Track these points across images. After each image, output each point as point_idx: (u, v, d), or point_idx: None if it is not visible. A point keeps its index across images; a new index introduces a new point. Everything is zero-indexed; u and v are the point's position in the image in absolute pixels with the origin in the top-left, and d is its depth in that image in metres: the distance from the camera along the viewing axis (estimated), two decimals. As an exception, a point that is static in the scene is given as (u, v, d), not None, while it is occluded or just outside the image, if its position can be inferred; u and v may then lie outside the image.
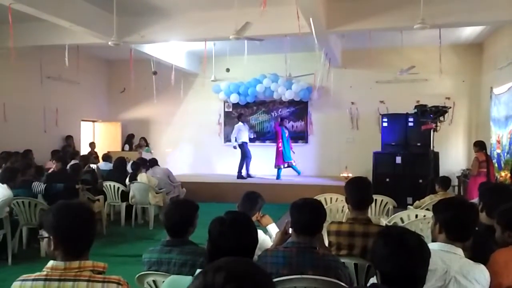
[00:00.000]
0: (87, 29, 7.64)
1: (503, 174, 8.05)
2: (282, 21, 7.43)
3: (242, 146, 10.85)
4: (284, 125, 10.99)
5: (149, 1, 7.58)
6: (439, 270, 2.13)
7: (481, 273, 2.16)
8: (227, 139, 12.24)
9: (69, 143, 10.92)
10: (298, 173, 10.87)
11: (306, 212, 2.53)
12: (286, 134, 10.72)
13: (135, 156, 9.93)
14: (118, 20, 7.24)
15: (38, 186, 6.13)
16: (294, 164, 10.80)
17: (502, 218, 2.49)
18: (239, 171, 10.85)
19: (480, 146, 7.69)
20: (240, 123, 11.05)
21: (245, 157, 10.85)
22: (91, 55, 11.78)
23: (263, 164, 11.32)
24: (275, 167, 10.69)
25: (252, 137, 11.46)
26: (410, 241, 1.72)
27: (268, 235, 3.36)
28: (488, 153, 8.13)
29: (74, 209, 1.91)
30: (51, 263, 1.81)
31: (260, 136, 12.21)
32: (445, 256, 2.18)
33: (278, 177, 10.66)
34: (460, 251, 2.23)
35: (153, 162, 8.69)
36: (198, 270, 2.02)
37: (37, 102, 10.09)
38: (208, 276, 0.98)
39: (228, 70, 11.44)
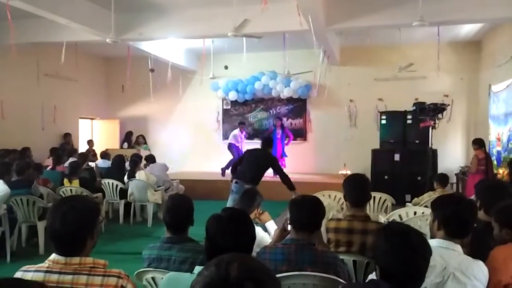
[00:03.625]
0: (85, 26, 7.62)
1: (500, 171, 8.06)
2: (281, 18, 7.42)
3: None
4: (276, 124, 10.90)
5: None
6: (437, 266, 2.13)
7: (479, 270, 2.17)
8: (226, 136, 12.24)
9: (67, 140, 10.90)
10: None
11: (305, 209, 2.53)
12: (278, 136, 10.63)
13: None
14: (116, 17, 7.22)
15: (37, 189, 6.09)
16: None
17: (500, 216, 2.49)
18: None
19: (479, 144, 7.70)
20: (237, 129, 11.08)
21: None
22: (89, 52, 11.75)
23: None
24: None
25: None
26: (413, 238, 1.72)
27: (267, 232, 3.36)
28: (487, 151, 8.15)
29: (75, 204, 1.90)
30: (53, 256, 1.82)
31: (259, 133, 12.19)
32: (443, 253, 2.18)
33: None
34: (458, 247, 2.24)
35: (150, 159, 8.68)
36: (197, 267, 2.03)
37: (35, 99, 10.06)
38: (221, 269, 0.98)
39: (226, 67, 11.43)
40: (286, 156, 10.70)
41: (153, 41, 9.56)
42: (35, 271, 1.79)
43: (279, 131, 10.74)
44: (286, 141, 10.82)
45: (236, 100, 12.05)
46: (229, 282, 0.95)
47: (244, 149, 10.92)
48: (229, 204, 5.91)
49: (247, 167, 6.22)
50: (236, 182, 6.17)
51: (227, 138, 11.94)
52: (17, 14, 6.87)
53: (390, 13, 7.22)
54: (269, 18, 7.14)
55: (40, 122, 10.26)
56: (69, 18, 7.26)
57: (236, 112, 12.43)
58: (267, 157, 6.41)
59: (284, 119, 11.99)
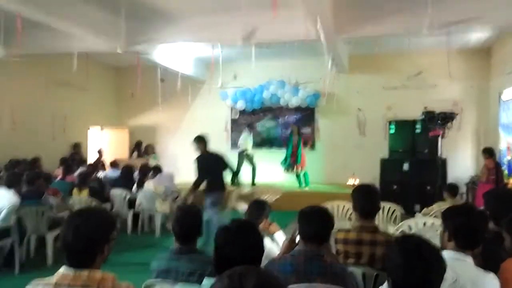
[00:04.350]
0: (95, 35, 7.67)
1: (511, 181, 7.98)
2: (290, 27, 7.42)
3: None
4: (293, 131, 10.81)
5: (155, 6, 7.59)
6: (448, 278, 2.09)
7: (491, 282, 2.14)
8: (234, 145, 12.26)
9: (77, 150, 10.98)
10: (299, 185, 10.63)
11: (314, 220, 2.52)
12: (294, 142, 10.57)
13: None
14: (126, 25, 7.28)
15: (47, 200, 6.13)
16: (295, 171, 10.58)
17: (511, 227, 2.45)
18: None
19: (489, 153, 7.63)
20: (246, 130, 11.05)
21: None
22: (99, 62, 11.88)
23: (270, 170, 11.30)
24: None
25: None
26: (427, 252, 1.70)
27: (275, 243, 3.34)
28: (497, 160, 8.07)
29: (91, 216, 1.91)
30: (62, 269, 1.82)
31: (267, 143, 12.20)
32: (455, 264, 2.15)
33: (300, 184, 10.57)
34: (470, 259, 2.21)
35: (157, 170, 8.71)
36: (206, 279, 2.02)
37: (45, 109, 10.17)
38: (234, 281, 0.97)
39: (235, 76, 11.47)
40: (299, 163, 10.52)
41: (162, 51, 9.62)
42: (44, 285, 1.78)
43: (295, 137, 10.59)
44: (304, 147, 10.64)
45: (244, 109, 12.08)
46: None
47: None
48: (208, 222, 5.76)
49: (215, 175, 6.15)
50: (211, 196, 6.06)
51: (236, 147, 11.95)
52: (28, 24, 6.96)
53: (400, 21, 7.17)
54: (279, 27, 7.15)
55: (50, 132, 10.35)
56: (80, 28, 7.30)
57: (244, 121, 12.44)
58: (219, 156, 6.34)
59: (290, 128, 11.95)
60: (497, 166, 7.64)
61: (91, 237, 1.84)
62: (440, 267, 1.71)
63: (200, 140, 6.21)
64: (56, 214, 5.96)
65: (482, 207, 3.29)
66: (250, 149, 10.84)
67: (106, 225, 1.93)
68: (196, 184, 6.20)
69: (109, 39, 7.80)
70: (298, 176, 10.55)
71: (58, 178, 8.08)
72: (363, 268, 2.88)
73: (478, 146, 10.47)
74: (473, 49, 10.59)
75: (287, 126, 12.07)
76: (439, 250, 1.75)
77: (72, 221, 1.87)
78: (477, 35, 9.55)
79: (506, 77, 8.92)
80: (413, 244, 1.74)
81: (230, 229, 2.04)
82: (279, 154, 11.49)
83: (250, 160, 10.86)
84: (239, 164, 10.65)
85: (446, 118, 8.32)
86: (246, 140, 10.88)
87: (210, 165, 6.17)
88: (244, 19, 6.62)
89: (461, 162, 10.73)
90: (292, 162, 10.50)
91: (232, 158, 11.81)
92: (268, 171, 11.26)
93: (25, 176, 6.07)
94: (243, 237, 2.00)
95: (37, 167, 8.50)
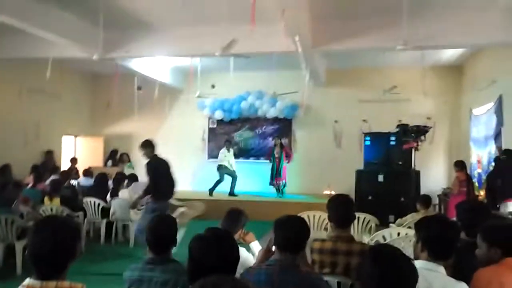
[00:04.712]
0: (72, 42, 7.59)
1: (482, 193, 8.19)
2: (268, 39, 7.51)
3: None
4: (276, 143, 10.86)
5: (135, 16, 7.58)
6: (421, 288, 2.13)
7: (462, 291, 2.17)
8: (211, 155, 12.22)
9: (49, 158, 10.73)
10: (277, 193, 10.74)
11: (289, 229, 2.52)
12: (276, 155, 10.65)
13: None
14: (104, 34, 7.22)
15: (17, 208, 5.97)
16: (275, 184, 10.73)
17: (489, 235, 2.47)
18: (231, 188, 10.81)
19: (460, 166, 7.83)
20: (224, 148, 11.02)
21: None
22: (75, 69, 11.69)
23: (247, 181, 11.29)
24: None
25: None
26: (401, 263, 1.71)
27: (251, 253, 3.33)
28: (468, 173, 8.27)
29: (56, 225, 1.87)
30: (27, 281, 1.76)
31: (244, 153, 12.19)
32: (427, 275, 2.18)
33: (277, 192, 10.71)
34: (442, 269, 2.24)
35: (133, 178, 8.58)
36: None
37: (17, 115, 9.90)
38: None
39: (213, 86, 11.46)
40: (281, 176, 10.62)
41: (140, 59, 9.57)
42: None
43: (278, 150, 10.67)
44: (287, 161, 10.72)
45: (222, 119, 12.08)
46: None
47: (233, 168, 10.90)
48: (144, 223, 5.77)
49: (167, 181, 6.14)
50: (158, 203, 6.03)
51: (212, 157, 11.97)
52: (2, 28, 6.83)
53: (375, 36, 7.37)
54: (257, 39, 7.22)
55: (22, 139, 10.08)
56: (57, 34, 7.23)
57: (222, 131, 12.43)
58: (167, 161, 6.33)
59: (270, 138, 12.02)
60: (468, 178, 7.84)
61: (59, 247, 1.79)
62: (413, 277, 1.72)
63: (148, 145, 6.12)
64: (26, 223, 5.79)
65: (454, 218, 3.36)
66: (228, 165, 10.81)
67: (76, 235, 1.89)
68: (148, 191, 6.10)
69: (86, 47, 7.72)
70: (278, 187, 10.63)
71: (29, 186, 7.88)
72: (339, 278, 2.89)
73: (450, 159, 10.73)
74: (446, 66, 10.91)
75: (265, 136, 12.14)
76: (411, 261, 1.77)
77: (38, 231, 1.83)
78: (450, 53, 9.85)
79: (477, 93, 9.20)
80: (387, 255, 1.75)
81: (205, 238, 2.01)
82: (257, 165, 11.52)
83: (230, 172, 10.84)
84: (220, 176, 10.73)
85: (420, 131, 8.52)
86: (225, 155, 10.85)
87: (160, 170, 6.09)
88: (223, 31, 6.66)
89: (434, 174, 10.96)
90: (274, 175, 10.59)
91: (209, 168, 11.86)
92: (245, 181, 11.23)
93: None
94: (219, 246, 1.97)
95: (7, 174, 8.26)
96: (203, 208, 8.00)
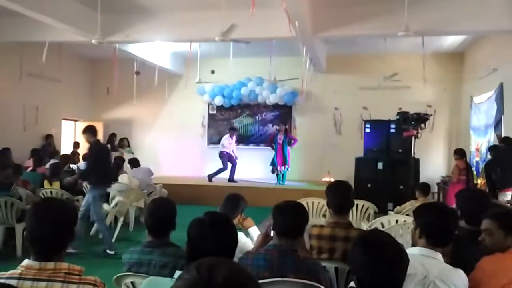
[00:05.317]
0: (70, 26, 7.54)
1: (479, 181, 8.22)
2: (269, 24, 7.45)
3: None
4: (279, 129, 10.80)
5: (134, 1, 7.51)
6: (418, 274, 2.14)
7: (459, 278, 2.18)
8: (211, 141, 12.22)
9: (49, 142, 10.72)
10: (278, 181, 10.73)
11: (288, 215, 2.52)
12: (279, 141, 10.58)
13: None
14: (103, 18, 7.16)
15: (16, 191, 5.98)
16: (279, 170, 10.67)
17: (508, 222, 2.44)
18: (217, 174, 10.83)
19: (460, 154, 7.82)
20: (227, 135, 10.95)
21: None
22: (74, 53, 11.61)
23: (246, 167, 11.30)
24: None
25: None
26: (390, 251, 1.70)
27: (249, 238, 3.34)
28: (468, 161, 8.28)
29: (54, 207, 1.88)
30: (26, 262, 1.77)
31: (244, 139, 12.19)
32: (424, 261, 2.19)
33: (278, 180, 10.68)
34: (439, 256, 2.25)
35: (134, 162, 8.59)
36: (178, 272, 2.00)
37: (16, 99, 9.87)
38: (203, 273, 0.94)
39: (213, 72, 11.41)
40: (287, 163, 10.57)
41: (140, 43, 9.51)
42: (7, 278, 1.72)
43: (281, 136, 10.61)
44: (292, 143, 10.68)
45: (222, 105, 12.04)
46: (212, 286, 0.92)
47: (235, 155, 10.90)
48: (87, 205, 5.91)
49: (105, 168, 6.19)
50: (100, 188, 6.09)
51: (212, 143, 11.99)
52: (1, 12, 6.77)
53: (376, 22, 7.31)
54: (257, 24, 7.16)
55: (21, 123, 10.07)
56: (55, 18, 7.18)
57: (221, 117, 12.40)
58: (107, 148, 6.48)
59: (269, 125, 12.01)
60: (468, 167, 7.84)
61: (57, 227, 1.80)
62: (402, 262, 1.71)
63: (88, 130, 6.13)
64: (25, 205, 5.81)
65: (453, 206, 3.36)
66: (230, 152, 10.79)
67: (74, 215, 1.91)
68: (85, 174, 6.16)
69: (84, 31, 7.65)
70: (279, 173, 10.62)
71: (29, 170, 7.89)
72: (336, 264, 2.91)
73: (450, 147, 10.73)
74: (447, 53, 10.84)
75: (265, 123, 12.12)
76: (400, 246, 1.76)
77: (36, 212, 1.84)
78: (451, 40, 9.78)
79: (478, 81, 9.16)
80: (376, 244, 1.74)
81: (204, 222, 2.02)
82: (256, 151, 11.52)
83: (231, 159, 10.82)
84: (223, 164, 10.70)
85: (420, 119, 8.50)
86: (229, 142, 10.81)
87: (99, 156, 6.11)
88: (223, 16, 6.59)
89: (433, 162, 10.98)
90: (278, 162, 10.54)
91: (209, 154, 11.87)
92: (245, 168, 11.25)
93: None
94: (217, 230, 1.98)
95: (7, 157, 8.26)
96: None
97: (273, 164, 10.59)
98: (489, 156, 7.46)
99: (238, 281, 0.95)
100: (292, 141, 10.78)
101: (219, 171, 10.75)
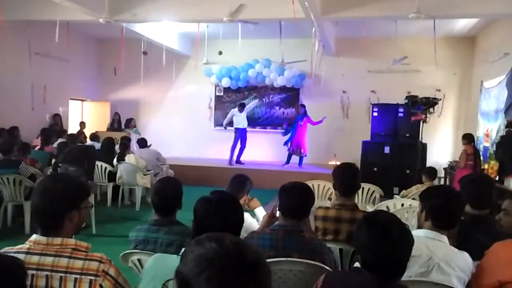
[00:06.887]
0: (78, 5, 7.47)
1: (486, 166, 8.17)
2: (277, 5, 7.35)
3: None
4: (300, 112, 10.68)
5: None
6: (423, 256, 2.14)
7: (464, 261, 2.19)
8: (218, 123, 12.21)
9: (56, 121, 10.77)
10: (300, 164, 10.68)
11: (295, 195, 2.53)
12: (301, 123, 10.46)
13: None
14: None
15: (26, 169, 6.03)
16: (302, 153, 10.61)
17: None
18: (233, 156, 10.77)
19: (469, 139, 7.76)
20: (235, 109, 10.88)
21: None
22: (82, 33, 11.57)
23: (253, 149, 11.31)
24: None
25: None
26: (394, 231, 1.70)
27: (255, 219, 3.36)
28: (475, 146, 8.22)
29: (61, 181, 1.89)
30: (34, 237, 1.78)
31: (251, 121, 12.15)
32: (429, 243, 2.19)
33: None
34: (445, 238, 2.25)
35: (143, 143, 8.62)
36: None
37: (25, 78, 9.89)
38: (224, 246, 0.97)
39: (220, 53, 11.33)
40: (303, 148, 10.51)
41: (147, 23, 9.44)
42: (15, 252, 1.74)
43: (300, 118, 10.52)
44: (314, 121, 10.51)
45: (229, 87, 11.98)
46: (243, 261, 0.95)
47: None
48: None
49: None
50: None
51: (218, 125, 11.97)
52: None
53: (387, 4, 7.20)
54: (266, 5, 7.08)
55: (29, 102, 10.11)
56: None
57: (228, 99, 12.37)
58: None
59: (276, 107, 11.96)
60: (476, 152, 7.78)
61: (57, 199, 1.80)
62: (407, 243, 1.72)
63: None
64: (33, 184, 5.87)
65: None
66: (242, 127, 10.73)
67: (74, 189, 1.89)
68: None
69: (92, 10, 7.60)
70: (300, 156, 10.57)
71: (37, 148, 7.94)
72: (341, 245, 2.92)
73: (458, 132, 10.65)
74: (458, 36, 10.66)
75: (272, 106, 12.07)
76: (405, 226, 1.76)
77: (41, 185, 1.86)
78: (463, 23, 9.61)
79: (489, 65, 9.03)
80: (380, 224, 1.74)
81: (211, 201, 2.02)
82: (263, 134, 11.50)
83: (243, 137, 10.78)
84: (241, 142, 10.66)
85: (429, 103, 8.40)
86: (238, 116, 10.73)
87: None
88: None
89: (441, 147, 10.91)
90: (295, 144, 10.49)
91: (215, 136, 11.88)
92: (251, 150, 11.25)
93: (1, 145, 5.95)
94: (224, 209, 1.99)
95: (15, 136, 8.32)
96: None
97: (291, 145, 10.49)
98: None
99: (256, 255, 0.98)
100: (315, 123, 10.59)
101: (241, 151, 10.71)
